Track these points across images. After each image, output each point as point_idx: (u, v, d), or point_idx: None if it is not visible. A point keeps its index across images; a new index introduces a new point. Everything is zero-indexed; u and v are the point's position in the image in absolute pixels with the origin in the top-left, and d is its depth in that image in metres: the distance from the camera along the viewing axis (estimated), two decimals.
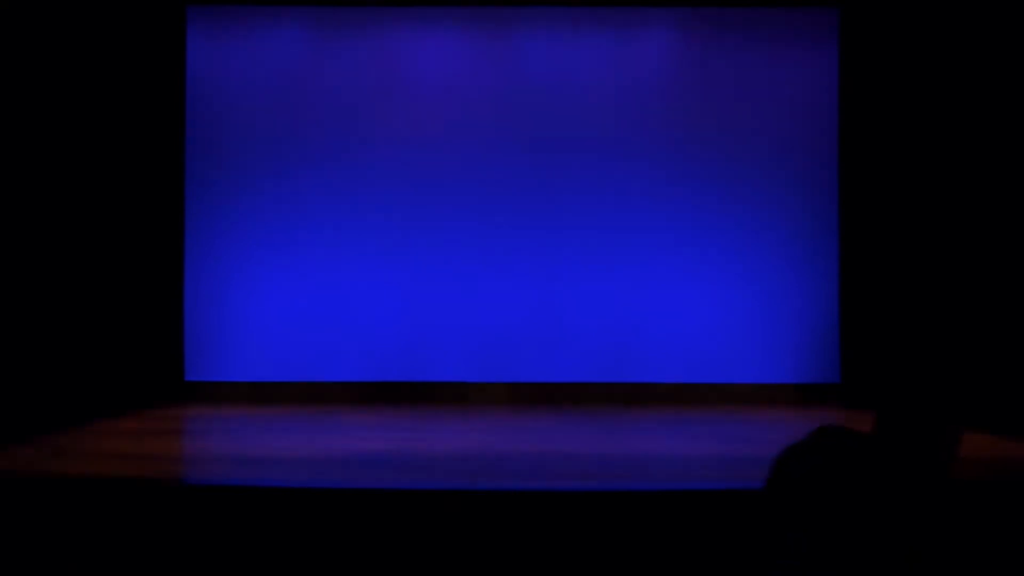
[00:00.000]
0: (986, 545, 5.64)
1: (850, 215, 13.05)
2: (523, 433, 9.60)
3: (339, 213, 13.20)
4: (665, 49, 13.36)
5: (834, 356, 13.12)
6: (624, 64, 13.32)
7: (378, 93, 13.27)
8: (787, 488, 2.02)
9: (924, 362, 12.00)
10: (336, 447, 8.37)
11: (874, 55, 12.83)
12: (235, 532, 5.66)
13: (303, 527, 5.65)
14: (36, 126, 11.24)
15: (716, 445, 8.57)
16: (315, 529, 5.64)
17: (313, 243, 13.17)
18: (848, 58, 13.08)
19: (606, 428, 10.00)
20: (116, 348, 12.34)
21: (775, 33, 13.25)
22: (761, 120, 13.20)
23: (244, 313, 13.12)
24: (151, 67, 12.72)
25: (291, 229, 13.15)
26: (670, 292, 13.15)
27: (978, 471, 7.08)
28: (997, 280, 11.22)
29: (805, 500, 2.01)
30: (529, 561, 5.47)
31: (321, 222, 13.18)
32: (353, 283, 13.16)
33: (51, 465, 7.07)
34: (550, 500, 6.07)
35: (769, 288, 13.13)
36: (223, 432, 9.89)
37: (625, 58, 13.33)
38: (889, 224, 12.67)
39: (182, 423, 10.72)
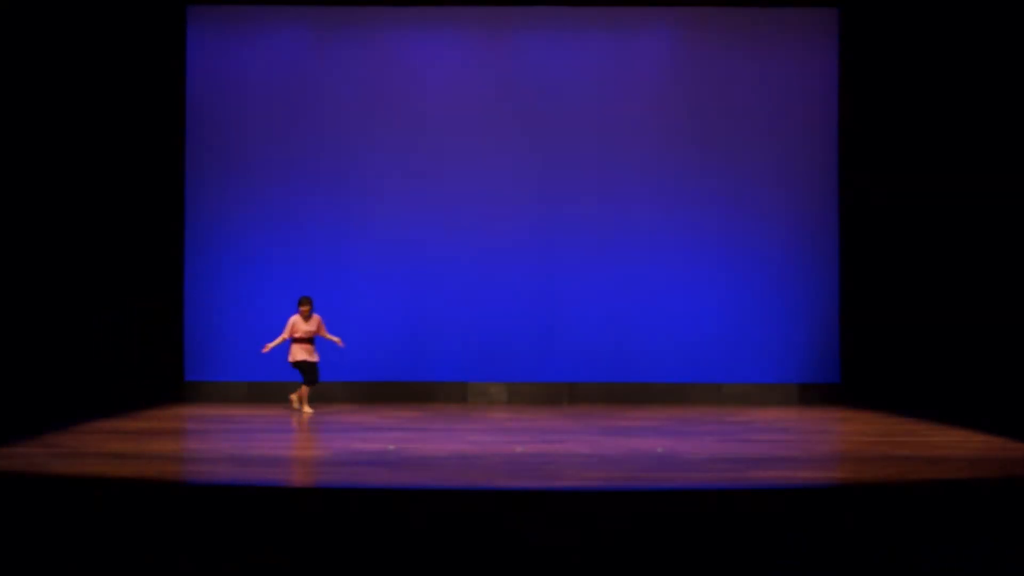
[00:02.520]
0: (986, 544, 5.64)
1: (850, 216, 13.04)
2: (522, 433, 9.60)
3: (339, 214, 13.17)
4: (665, 49, 13.34)
5: (834, 356, 13.12)
6: (623, 65, 13.30)
7: (378, 94, 13.25)
8: None
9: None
10: (336, 447, 8.38)
11: (873, 54, 12.81)
12: (235, 532, 5.66)
13: (303, 527, 5.65)
14: (40, 131, 11.24)
15: (717, 445, 8.57)
16: (315, 529, 5.63)
17: (312, 244, 13.14)
18: (848, 58, 13.07)
19: (606, 428, 10.00)
20: (117, 349, 12.35)
21: (775, 33, 13.24)
22: (761, 120, 13.18)
23: (244, 313, 13.10)
24: (151, 68, 12.70)
25: (290, 230, 13.12)
26: (670, 293, 13.13)
27: (978, 471, 7.08)
28: (996, 280, 11.22)
29: None
30: (530, 561, 5.47)
31: (320, 223, 13.15)
32: (353, 284, 13.13)
33: (52, 465, 7.08)
34: (550, 500, 6.07)
35: (769, 289, 13.12)
36: (223, 432, 9.89)
37: (624, 59, 13.31)
38: (889, 225, 12.66)
39: (182, 423, 10.72)
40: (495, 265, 13.14)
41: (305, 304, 11.50)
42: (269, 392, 12.95)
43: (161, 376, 12.72)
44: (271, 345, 11.55)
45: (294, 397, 11.70)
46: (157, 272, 12.80)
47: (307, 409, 11.51)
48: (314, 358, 11.52)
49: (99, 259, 12.20)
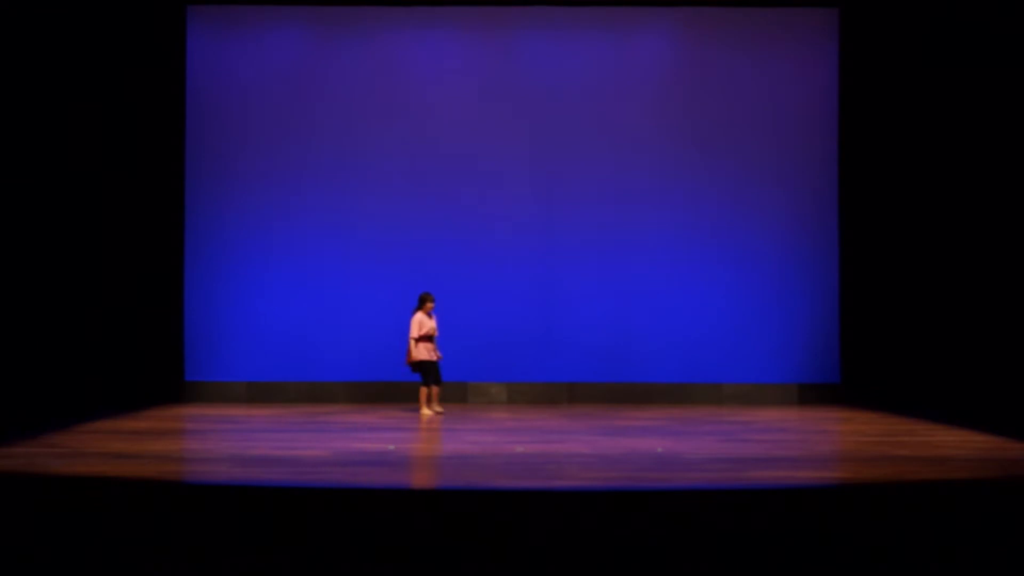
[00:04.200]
0: (986, 544, 5.64)
1: (850, 216, 13.05)
2: (522, 433, 9.60)
3: (337, 215, 13.17)
4: (665, 49, 13.34)
5: (834, 356, 13.12)
6: (623, 65, 13.30)
7: (377, 94, 13.25)
8: None
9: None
10: (336, 447, 8.38)
11: (873, 54, 12.82)
12: (235, 532, 5.66)
13: (303, 527, 5.65)
14: (40, 131, 11.23)
15: (717, 445, 8.57)
16: (315, 529, 5.63)
17: (311, 245, 13.14)
18: (848, 58, 13.07)
19: (606, 428, 10.00)
20: (117, 349, 12.34)
21: (775, 33, 13.25)
22: (761, 120, 13.18)
23: (243, 314, 13.11)
24: (151, 68, 12.70)
25: (290, 230, 13.14)
26: (670, 292, 13.13)
27: (978, 471, 7.08)
28: (996, 280, 11.22)
29: None
30: (530, 561, 5.47)
31: (319, 224, 13.15)
32: (352, 284, 13.14)
33: (52, 465, 7.08)
34: (550, 500, 6.06)
35: (769, 289, 13.12)
36: (223, 432, 9.89)
37: (624, 59, 13.31)
38: (889, 225, 12.66)
39: (182, 423, 10.72)
40: (495, 265, 13.14)
41: (432, 300, 11.21)
42: (269, 392, 12.97)
43: (161, 376, 12.73)
44: (411, 351, 11.16)
45: (426, 410, 11.25)
46: (157, 272, 12.80)
47: (437, 408, 11.32)
48: (435, 356, 11.23)
49: (99, 259, 12.19)
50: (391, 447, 8.28)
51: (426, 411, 11.24)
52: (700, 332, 13.09)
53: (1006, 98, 11.01)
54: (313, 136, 13.17)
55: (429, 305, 11.19)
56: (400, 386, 13.03)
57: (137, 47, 12.55)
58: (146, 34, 12.63)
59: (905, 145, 12.46)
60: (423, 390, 11.30)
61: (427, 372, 11.24)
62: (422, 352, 11.17)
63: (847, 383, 12.97)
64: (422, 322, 11.18)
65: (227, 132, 13.13)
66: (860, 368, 12.84)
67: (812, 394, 13.01)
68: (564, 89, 13.19)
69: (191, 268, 13.08)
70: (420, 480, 6.70)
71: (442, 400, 13.04)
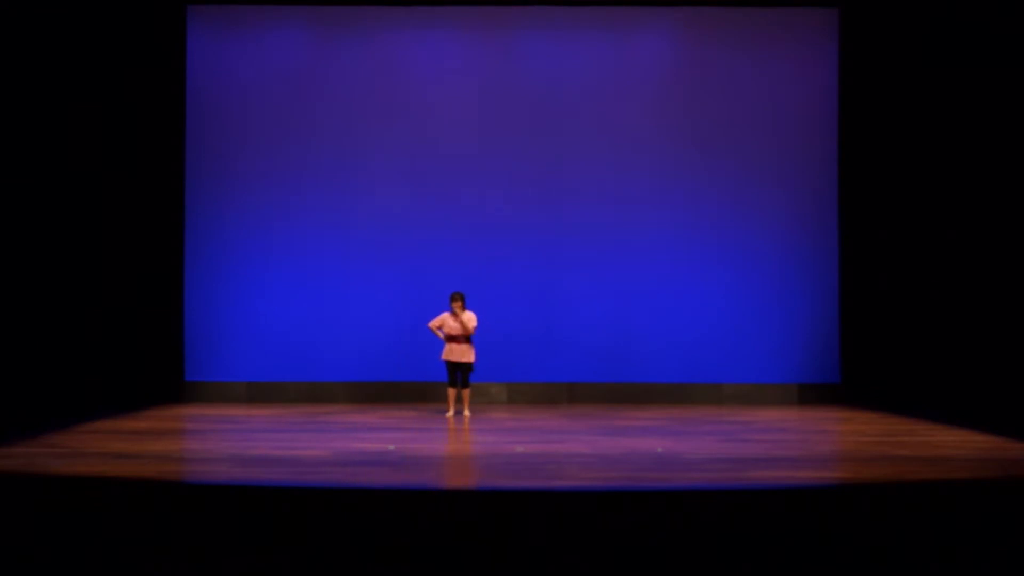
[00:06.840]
0: (986, 544, 5.64)
1: (850, 216, 13.05)
2: (523, 433, 9.60)
3: (337, 215, 13.17)
4: (665, 49, 13.34)
5: (834, 356, 13.12)
6: (623, 65, 13.30)
7: (377, 94, 13.24)
8: None
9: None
10: (336, 447, 8.38)
11: (873, 54, 12.81)
12: (235, 532, 5.66)
13: (303, 527, 5.65)
14: (40, 131, 11.23)
15: (717, 445, 8.57)
16: (315, 529, 5.64)
17: (311, 245, 13.13)
18: (848, 58, 13.07)
19: (606, 428, 10.00)
20: (117, 349, 12.34)
21: (775, 33, 13.25)
22: (761, 121, 13.18)
23: (243, 314, 13.11)
24: (151, 68, 12.69)
25: (290, 230, 13.13)
26: (670, 292, 13.13)
27: (978, 471, 7.08)
28: (996, 280, 11.21)
29: None
30: (530, 561, 5.47)
31: (319, 224, 13.14)
32: (352, 284, 13.14)
33: (53, 465, 7.08)
34: (550, 500, 6.06)
35: (769, 289, 13.12)
36: (223, 432, 9.89)
37: (624, 59, 13.31)
38: (888, 225, 12.65)
39: (182, 423, 10.72)
40: (495, 265, 13.14)
41: (453, 300, 11.09)
42: (268, 392, 12.97)
43: (161, 376, 12.73)
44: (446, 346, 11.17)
45: (450, 416, 11.21)
46: (157, 272, 12.80)
47: (452, 412, 11.27)
48: (463, 358, 11.10)
49: (99, 259, 12.19)
50: (391, 447, 8.29)
51: (455, 412, 11.32)
52: (700, 332, 13.09)
53: (1006, 98, 11.01)
54: (313, 136, 13.17)
55: (452, 304, 11.11)
56: (400, 386, 13.05)
57: (137, 47, 12.54)
58: (146, 34, 12.62)
59: (905, 145, 12.45)
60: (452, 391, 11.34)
61: (448, 372, 11.30)
62: (445, 352, 11.18)
63: (847, 383, 12.97)
64: (443, 321, 11.16)
65: (227, 132, 13.13)
66: (860, 368, 12.84)
67: (812, 394, 13.01)
68: (564, 89, 13.19)
69: (191, 268, 13.08)
70: (420, 480, 6.70)
71: (443, 400, 13.06)
